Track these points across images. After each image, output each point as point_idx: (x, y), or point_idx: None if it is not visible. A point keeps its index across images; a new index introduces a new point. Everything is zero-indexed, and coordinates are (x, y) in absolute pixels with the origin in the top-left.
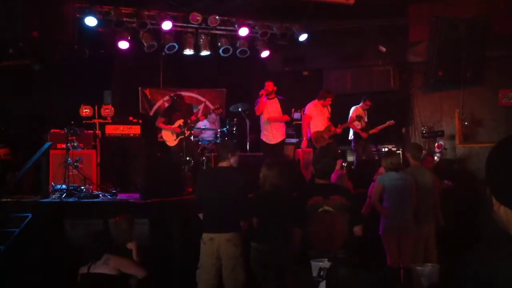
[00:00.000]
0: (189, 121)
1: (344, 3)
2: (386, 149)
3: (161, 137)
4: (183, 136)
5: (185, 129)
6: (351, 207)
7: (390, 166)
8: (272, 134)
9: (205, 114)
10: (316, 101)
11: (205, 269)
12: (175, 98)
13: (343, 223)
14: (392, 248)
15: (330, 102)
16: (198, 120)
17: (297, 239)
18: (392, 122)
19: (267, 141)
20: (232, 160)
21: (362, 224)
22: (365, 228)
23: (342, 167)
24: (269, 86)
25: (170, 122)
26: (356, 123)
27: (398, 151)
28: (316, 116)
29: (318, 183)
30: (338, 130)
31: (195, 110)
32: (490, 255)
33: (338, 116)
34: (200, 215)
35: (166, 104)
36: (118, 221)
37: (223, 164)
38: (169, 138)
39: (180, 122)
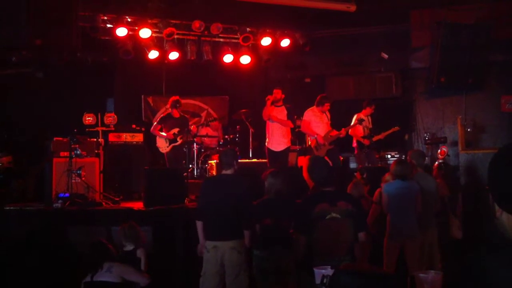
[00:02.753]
0: (186, 129)
1: (345, 10)
2: (389, 156)
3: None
4: (175, 144)
5: (178, 137)
6: (357, 214)
7: (398, 173)
8: (278, 141)
9: (197, 125)
10: (314, 107)
11: (208, 277)
12: (177, 104)
13: (349, 229)
14: (393, 255)
15: (328, 108)
16: (191, 131)
17: (301, 246)
18: (397, 128)
19: (273, 149)
20: (236, 167)
21: (367, 230)
22: (369, 234)
23: (363, 178)
24: (278, 93)
25: (165, 129)
26: (359, 130)
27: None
28: (315, 122)
29: (322, 190)
30: (343, 133)
31: (197, 118)
32: (492, 261)
33: (341, 122)
34: (199, 223)
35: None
36: (125, 227)
37: (228, 171)
38: (162, 145)
39: (175, 130)
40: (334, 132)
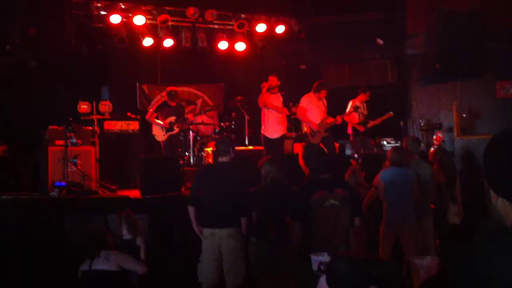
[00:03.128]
0: (181, 119)
1: None
2: (385, 142)
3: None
4: (172, 133)
5: (175, 126)
6: (353, 200)
7: (395, 160)
8: (273, 129)
9: (193, 114)
10: (311, 93)
11: (206, 264)
12: (172, 93)
13: (346, 216)
14: (388, 243)
15: (325, 95)
16: (187, 120)
17: (297, 232)
18: (391, 114)
19: (268, 136)
20: (233, 155)
21: (361, 216)
22: (364, 219)
23: (358, 164)
24: (273, 80)
25: (161, 117)
26: (354, 117)
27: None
28: (311, 109)
29: (319, 177)
30: (338, 120)
31: (192, 105)
32: (487, 247)
33: (336, 109)
34: (191, 208)
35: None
36: (122, 216)
37: (224, 159)
38: (159, 133)
39: (171, 119)
40: (330, 119)
